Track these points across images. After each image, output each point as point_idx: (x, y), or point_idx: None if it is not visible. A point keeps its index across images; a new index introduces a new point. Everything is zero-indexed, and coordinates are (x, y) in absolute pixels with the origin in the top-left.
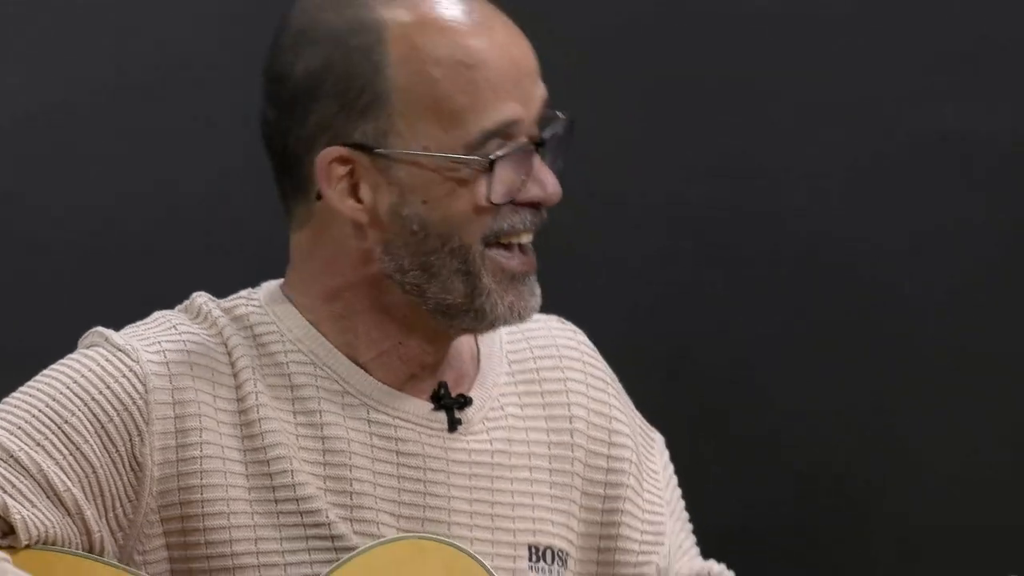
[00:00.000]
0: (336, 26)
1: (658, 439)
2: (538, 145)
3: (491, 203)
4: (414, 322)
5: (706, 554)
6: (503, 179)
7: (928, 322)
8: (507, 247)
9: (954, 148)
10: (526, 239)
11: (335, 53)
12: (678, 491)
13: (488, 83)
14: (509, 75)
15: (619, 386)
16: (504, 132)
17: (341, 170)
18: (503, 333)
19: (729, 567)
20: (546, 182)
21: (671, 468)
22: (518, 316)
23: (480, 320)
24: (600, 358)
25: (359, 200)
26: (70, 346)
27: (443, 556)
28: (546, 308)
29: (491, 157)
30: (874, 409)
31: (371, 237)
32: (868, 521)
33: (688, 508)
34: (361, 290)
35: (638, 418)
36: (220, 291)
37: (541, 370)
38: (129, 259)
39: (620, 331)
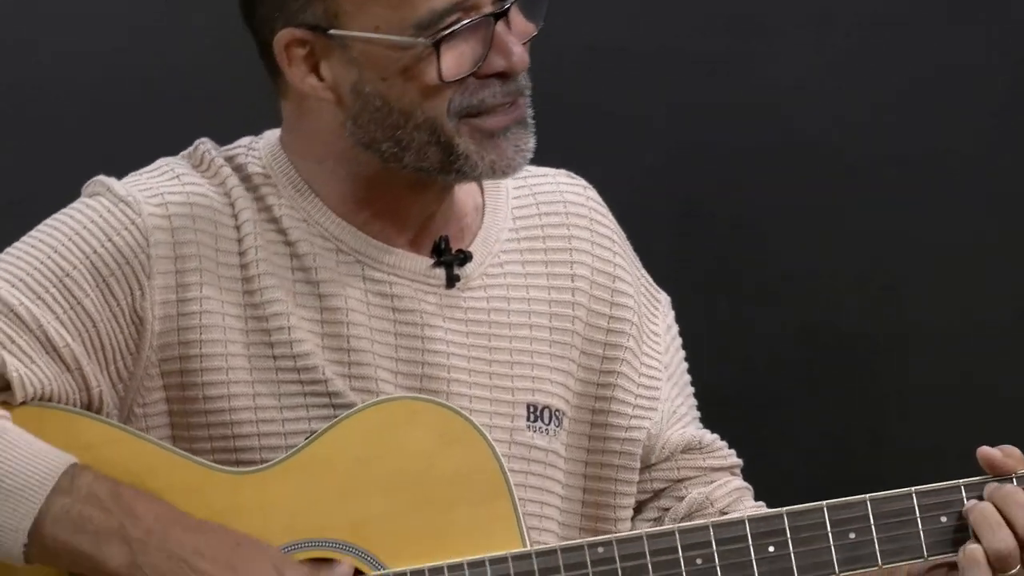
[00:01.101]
0: None
1: (664, 300)
2: (500, 15)
3: (444, 82)
4: (399, 183)
5: (709, 412)
6: (456, 56)
7: (931, 176)
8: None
9: None
10: (500, 111)
11: None
12: (680, 354)
13: None
14: None
15: (627, 244)
16: (461, 6)
17: (300, 51)
18: (510, 187)
19: (732, 424)
20: (511, 52)
21: (675, 330)
22: (501, 172)
23: (463, 177)
24: (609, 215)
25: (321, 78)
26: (74, 194)
27: (436, 418)
28: (554, 164)
29: (436, 38)
30: (878, 263)
31: (341, 111)
32: (871, 375)
33: (692, 366)
34: (343, 159)
35: (644, 278)
36: (222, 139)
37: (546, 227)
38: (133, 104)
39: (628, 188)
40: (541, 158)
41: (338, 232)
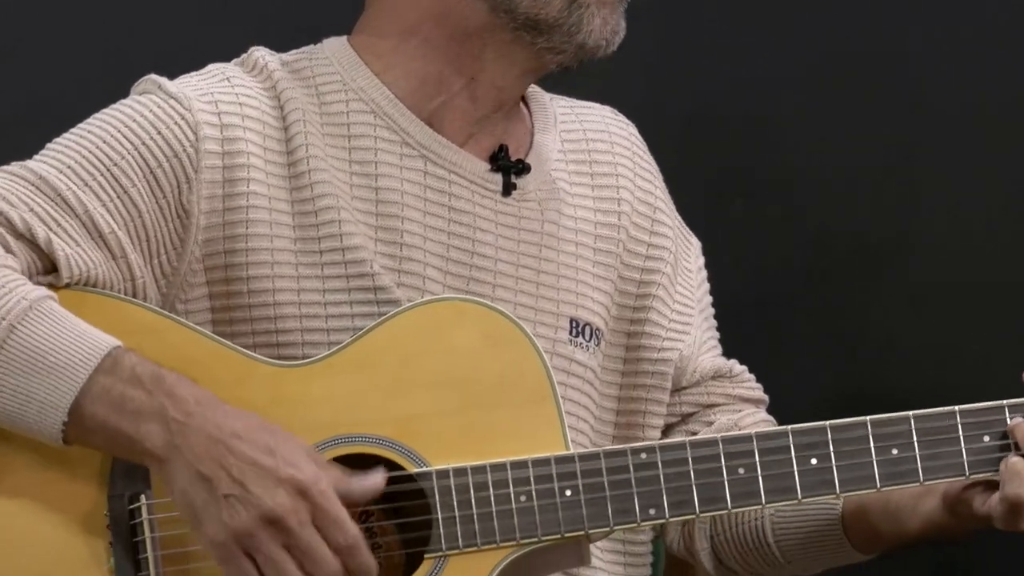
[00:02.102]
0: None
1: (695, 244)
2: None
3: None
4: (492, 52)
5: (719, 317)
6: None
7: (942, 74)
8: None
9: None
10: None
11: None
12: (709, 298)
13: None
14: None
15: (663, 184)
16: None
17: None
18: (557, 112)
19: (743, 329)
20: None
21: (704, 274)
22: (606, 38)
23: (570, 37)
24: (649, 154)
25: None
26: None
27: (483, 320)
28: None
29: None
30: (892, 164)
31: None
32: (885, 278)
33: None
34: (444, 18)
35: (679, 220)
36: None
37: (592, 152)
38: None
39: (634, 87)
40: None
41: (406, 124)
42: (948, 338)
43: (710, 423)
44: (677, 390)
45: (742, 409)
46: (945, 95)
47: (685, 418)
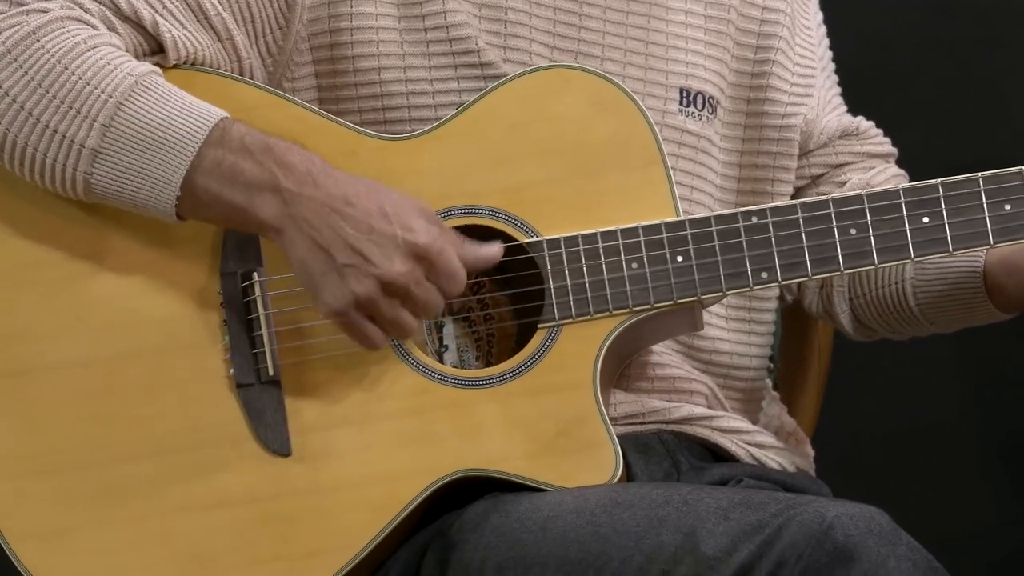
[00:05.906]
0: None
1: None
2: None
3: None
4: None
5: (847, 84)
6: None
7: None
8: None
9: None
10: None
11: None
12: (830, 53)
13: None
14: None
15: None
16: None
17: None
18: None
19: (864, 99)
20: None
21: (824, 29)
22: None
23: None
24: None
25: None
26: None
27: (590, 85)
28: None
29: None
30: None
31: None
32: (1007, 43)
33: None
34: None
35: None
36: None
37: None
38: None
39: None
40: None
41: None
42: None
43: (842, 183)
44: (805, 153)
45: (873, 166)
46: None
47: (815, 180)
